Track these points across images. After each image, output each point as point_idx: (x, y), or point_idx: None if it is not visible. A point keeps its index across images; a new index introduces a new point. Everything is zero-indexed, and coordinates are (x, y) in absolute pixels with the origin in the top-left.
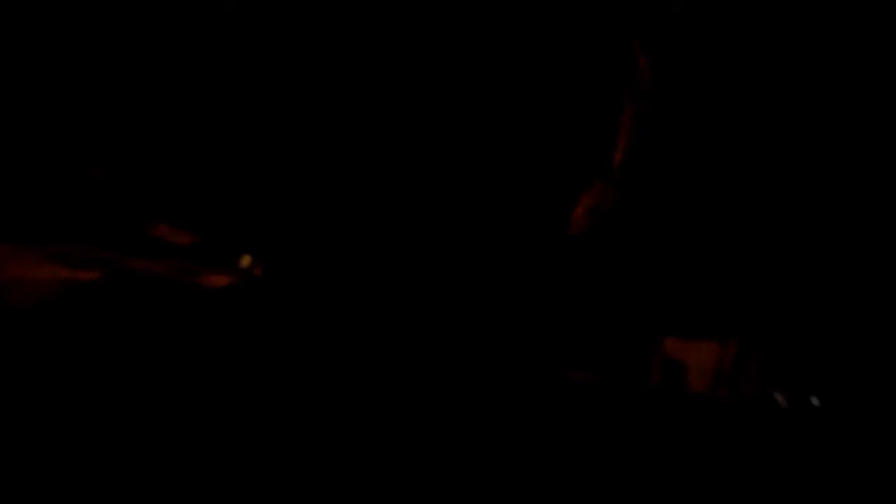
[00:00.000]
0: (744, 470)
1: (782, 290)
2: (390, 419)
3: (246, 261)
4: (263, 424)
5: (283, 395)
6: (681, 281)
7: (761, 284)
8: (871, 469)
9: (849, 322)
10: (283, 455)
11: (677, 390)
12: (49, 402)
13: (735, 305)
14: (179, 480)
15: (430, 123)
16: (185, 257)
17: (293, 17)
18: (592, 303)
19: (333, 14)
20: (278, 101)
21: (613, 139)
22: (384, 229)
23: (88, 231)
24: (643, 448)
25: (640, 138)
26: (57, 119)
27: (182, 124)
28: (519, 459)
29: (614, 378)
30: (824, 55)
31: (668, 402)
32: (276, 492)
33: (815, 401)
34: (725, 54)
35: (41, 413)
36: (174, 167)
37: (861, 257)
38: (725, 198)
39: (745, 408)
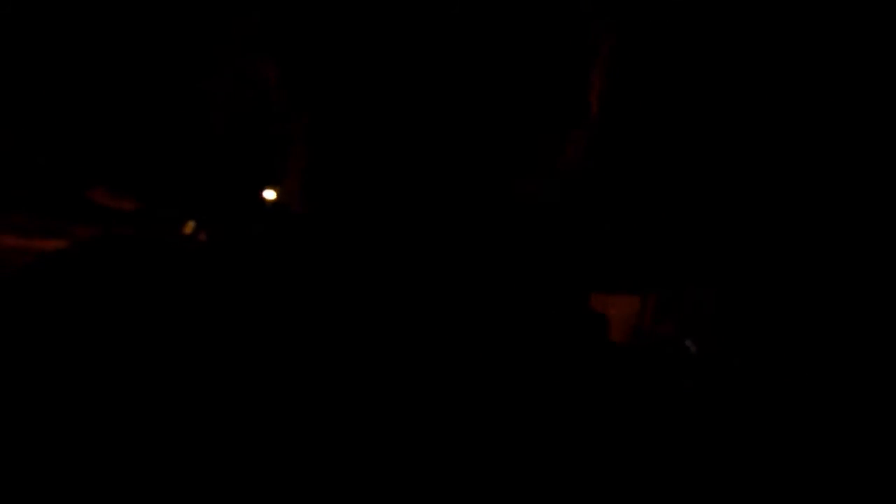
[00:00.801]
0: (658, 411)
1: (702, 245)
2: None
3: (189, 227)
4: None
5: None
6: (607, 237)
7: (683, 239)
8: (770, 411)
9: (762, 277)
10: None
11: (600, 341)
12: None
13: (656, 260)
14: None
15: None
16: (128, 223)
17: None
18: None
19: None
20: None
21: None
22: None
23: (34, 200)
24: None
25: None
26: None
27: (125, 89)
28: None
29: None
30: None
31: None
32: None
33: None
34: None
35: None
36: (118, 133)
37: (771, 216)
38: (652, 159)
39: (659, 355)
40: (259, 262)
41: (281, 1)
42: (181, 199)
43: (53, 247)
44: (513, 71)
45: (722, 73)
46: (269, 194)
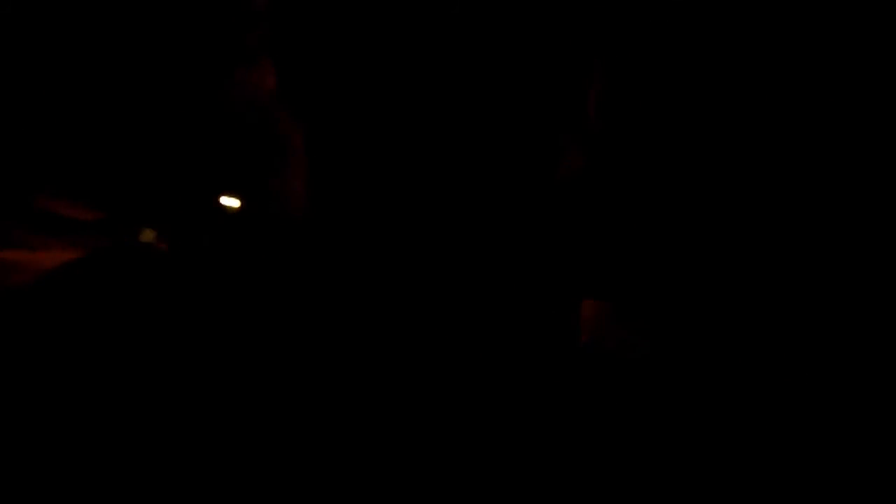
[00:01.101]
0: (619, 409)
1: (657, 255)
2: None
3: (148, 235)
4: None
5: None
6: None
7: (640, 250)
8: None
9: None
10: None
11: (568, 343)
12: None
13: (615, 269)
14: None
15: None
16: (88, 232)
17: None
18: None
19: None
20: (188, 75)
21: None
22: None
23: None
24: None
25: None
26: None
27: (82, 96)
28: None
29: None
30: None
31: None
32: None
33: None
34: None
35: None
36: (77, 141)
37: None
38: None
39: (616, 357)
40: (275, 268)
41: (288, 12)
42: (139, 208)
43: (13, 258)
44: (508, 83)
45: (700, 94)
46: (228, 202)
